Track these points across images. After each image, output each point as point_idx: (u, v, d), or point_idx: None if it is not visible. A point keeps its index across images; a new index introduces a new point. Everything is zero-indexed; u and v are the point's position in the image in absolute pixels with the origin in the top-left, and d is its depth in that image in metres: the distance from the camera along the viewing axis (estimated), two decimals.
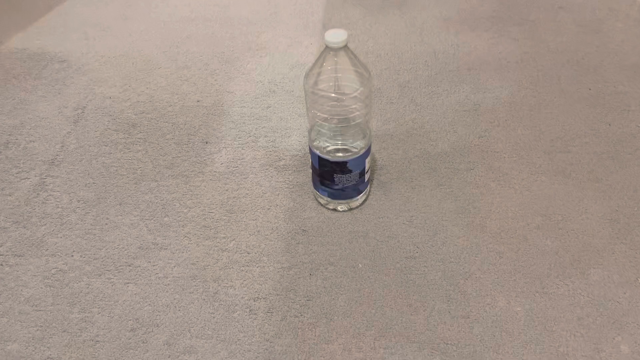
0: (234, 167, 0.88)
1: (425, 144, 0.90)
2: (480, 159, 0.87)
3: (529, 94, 0.98)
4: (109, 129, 0.96)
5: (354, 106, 0.67)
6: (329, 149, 0.74)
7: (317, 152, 0.73)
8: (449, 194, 0.82)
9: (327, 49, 0.63)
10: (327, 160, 0.72)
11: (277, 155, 0.90)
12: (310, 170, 0.78)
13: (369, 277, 0.72)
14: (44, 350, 0.67)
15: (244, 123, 0.96)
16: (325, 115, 0.67)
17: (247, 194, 0.84)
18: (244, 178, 0.86)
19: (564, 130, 0.92)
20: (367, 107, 0.69)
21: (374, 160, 0.87)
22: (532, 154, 0.88)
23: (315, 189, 0.80)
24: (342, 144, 0.73)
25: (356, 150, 0.73)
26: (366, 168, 0.76)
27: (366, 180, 0.78)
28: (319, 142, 0.73)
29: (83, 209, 0.83)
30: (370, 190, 0.83)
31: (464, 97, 0.98)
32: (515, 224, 0.78)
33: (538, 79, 1.01)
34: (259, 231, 0.79)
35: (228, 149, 0.91)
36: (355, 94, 0.66)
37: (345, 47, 0.63)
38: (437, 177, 0.85)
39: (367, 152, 0.74)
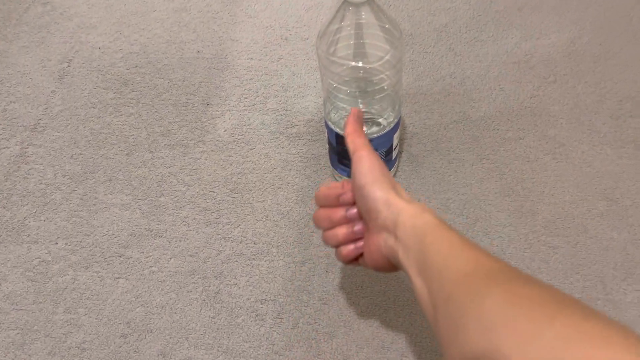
0: (239, 134, 0.76)
1: (466, 105, 0.76)
2: (532, 125, 0.73)
3: (592, 41, 0.81)
4: (98, 86, 0.84)
5: (381, 76, 0.53)
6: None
7: (334, 127, 0.60)
8: (494, 170, 0.69)
9: (346, 3, 0.49)
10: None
11: (289, 120, 0.77)
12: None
13: (396, 276, 0.61)
14: (24, 359, 0.59)
15: (250, 79, 0.82)
16: (345, 88, 0.54)
17: (253, 168, 0.72)
18: (251, 149, 0.74)
19: (636, 87, 0.76)
20: (398, 73, 0.55)
21: (403, 127, 0.74)
22: (595, 118, 0.73)
23: (332, 166, 0.68)
24: (365, 115, 0.60)
25: (383, 124, 0.60)
26: (394, 145, 0.63)
27: (394, 157, 0.65)
28: (336, 115, 0.60)
29: (69, 186, 0.73)
30: (398, 166, 0.70)
31: (512, 45, 0.82)
32: (573, 209, 0.65)
33: (604, 20, 0.83)
34: (267, 216, 0.68)
35: (232, 112, 0.78)
36: (383, 59, 0.52)
37: (369, 1, 0.48)
38: (479, 148, 0.71)
39: (396, 126, 0.61)
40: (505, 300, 0.27)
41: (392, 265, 0.39)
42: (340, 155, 0.63)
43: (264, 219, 0.67)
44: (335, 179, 0.69)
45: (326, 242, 0.43)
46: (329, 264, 0.63)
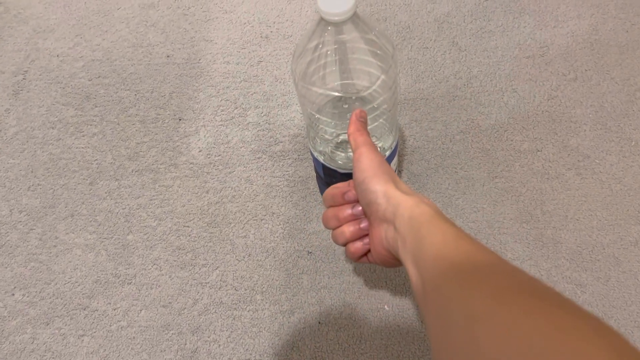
0: (215, 155, 0.67)
1: (474, 111, 0.66)
2: (551, 133, 0.63)
3: (617, 27, 0.70)
4: (57, 102, 0.74)
5: (371, 105, 0.44)
6: (339, 139, 0.51)
7: (319, 156, 0.50)
8: (508, 190, 0.60)
9: (324, 21, 0.39)
10: (334, 170, 0.50)
11: (271, 136, 0.67)
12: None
13: (398, 326, 0.53)
14: None
15: (227, 87, 0.72)
16: (328, 119, 0.44)
17: (233, 196, 0.63)
18: (230, 172, 0.65)
19: None
20: (393, 95, 0.46)
21: (402, 141, 0.64)
22: (625, 122, 0.63)
23: (322, 195, 0.59)
24: None
25: (380, 149, 0.50)
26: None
27: None
28: (322, 145, 0.50)
29: (26, 224, 0.64)
30: None
31: (525, 36, 0.71)
32: (602, 237, 0.56)
33: (631, 1, 0.73)
34: (249, 255, 0.59)
35: (208, 128, 0.69)
36: (373, 86, 0.42)
37: (352, 17, 0.38)
38: (490, 164, 0.62)
39: (394, 152, 0.52)
40: (490, 292, 0.28)
41: (395, 259, 0.39)
42: (329, 185, 0.54)
43: (246, 259, 0.59)
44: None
45: (335, 240, 0.44)
46: (321, 312, 0.55)
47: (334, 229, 0.44)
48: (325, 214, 0.44)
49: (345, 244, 0.43)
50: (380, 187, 0.38)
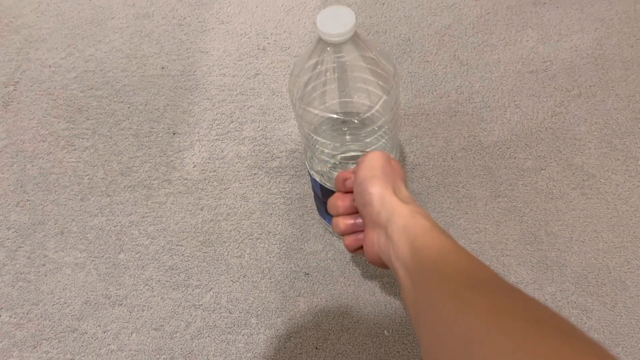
0: (210, 170, 0.65)
1: (476, 127, 0.64)
2: (555, 151, 0.62)
3: (623, 42, 0.69)
4: (49, 115, 0.72)
5: (372, 127, 0.42)
6: (337, 160, 0.49)
7: (317, 176, 0.49)
8: (512, 210, 0.58)
9: (323, 42, 0.37)
10: (332, 191, 0.48)
11: (268, 151, 0.65)
12: None
13: (399, 352, 0.51)
14: None
15: (223, 101, 0.70)
16: (327, 141, 0.42)
17: (228, 214, 0.61)
18: (225, 189, 0.63)
19: None
20: (395, 116, 0.44)
21: (402, 157, 0.63)
22: (631, 140, 0.61)
23: (320, 215, 0.57)
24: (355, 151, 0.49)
25: None
26: None
27: None
28: (320, 165, 0.49)
29: (14, 241, 0.62)
30: None
31: (528, 50, 0.70)
32: (609, 260, 0.54)
33: (636, 16, 0.71)
34: (244, 276, 0.57)
35: (203, 142, 0.67)
36: (375, 107, 0.41)
37: (352, 38, 0.37)
38: (493, 182, 0.60)
39: None
40: (487, 312, 0.27)
41: (385, 263, 0.38)
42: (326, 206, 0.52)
43: (241, 280, 0.57)
44: (325, 226, 0.59)
45: (333, 228, 0.43)
46: (318, 337, 0.53)
47: (334, 216, 0.43)
48: (330, 199, 0.44)
49: (341, 235, 0.43)
50: (377, 190, 0.37)
